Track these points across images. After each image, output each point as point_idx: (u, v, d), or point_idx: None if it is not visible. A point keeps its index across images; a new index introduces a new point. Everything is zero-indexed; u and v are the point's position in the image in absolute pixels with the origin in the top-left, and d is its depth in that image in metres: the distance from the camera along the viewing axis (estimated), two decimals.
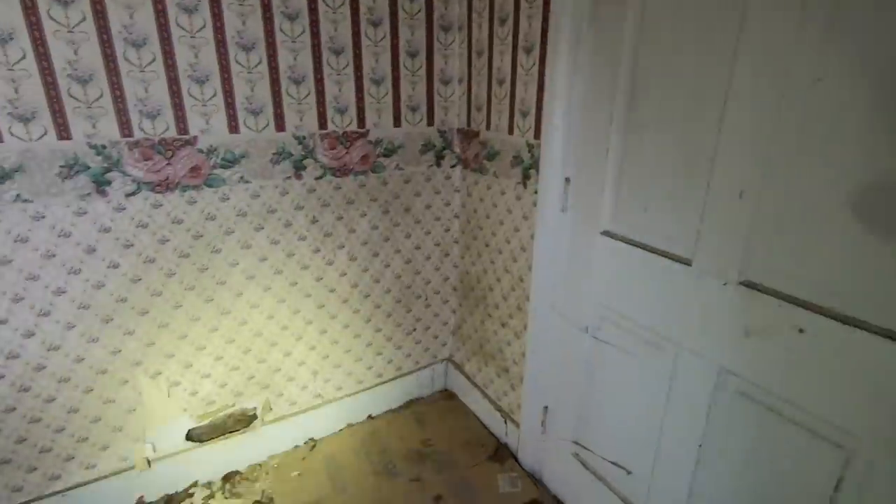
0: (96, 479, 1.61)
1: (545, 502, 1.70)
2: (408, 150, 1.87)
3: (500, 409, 1.99)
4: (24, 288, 1.36)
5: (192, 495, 1.74)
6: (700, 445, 1.19)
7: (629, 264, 1.31)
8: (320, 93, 1.63)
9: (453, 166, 2.00)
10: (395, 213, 1.93)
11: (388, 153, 1.83)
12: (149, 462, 1.68)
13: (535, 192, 1.58)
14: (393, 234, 1.95)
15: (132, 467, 1.66)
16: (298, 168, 1.67)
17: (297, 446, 1.98)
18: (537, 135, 1.54)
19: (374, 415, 2.15)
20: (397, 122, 1.82)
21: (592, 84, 1.34)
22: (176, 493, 1.75)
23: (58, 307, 1.42)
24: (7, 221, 1.30)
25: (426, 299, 2.15)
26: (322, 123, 1.67)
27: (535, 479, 1.80)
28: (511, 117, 1.64)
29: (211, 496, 1.74)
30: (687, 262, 1.16)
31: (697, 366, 1.17)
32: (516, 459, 1.89)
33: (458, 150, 1.97)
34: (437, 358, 2.30)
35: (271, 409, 1.89)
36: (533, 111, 1.54)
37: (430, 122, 1.90)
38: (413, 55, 1.77)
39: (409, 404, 2.24)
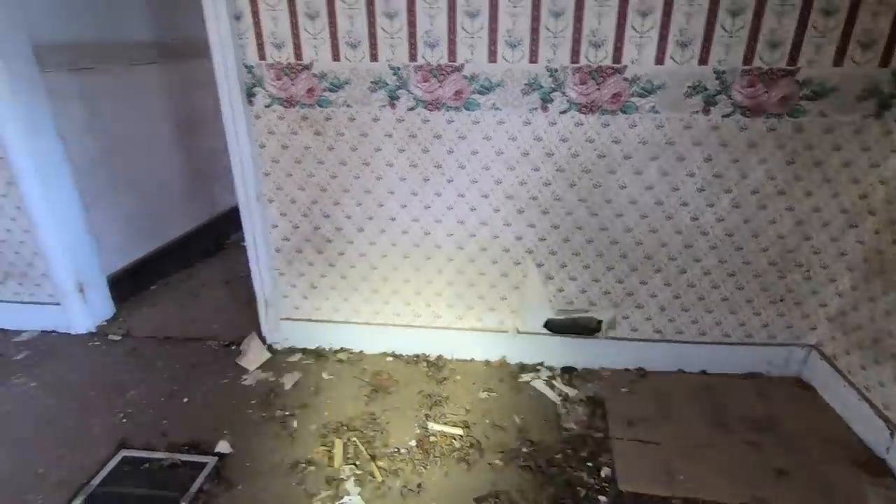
0: (482, 330, 2.15)
1: None
2: (842, 93, 1.63)
3: (884, 418, 1.64)
4: (479, 175, 1.87)
5: (538, 371, 2.12)
6: None
7: None
8: (755, 24, 1.57)
9: None
10: (800, 165, 1.74)
11: (815, 95, 1.64)
12: (517, 331, 2.12)
13: None
14: (791, 188, 1.77)
15: (506, 331, 2.13)
16: (709, 103, 1.68)
17: (627, 369, 2.13)
18: None
19: (708, 371, 2.10)
20: (839, 58, 1.59)
21: None
22: (528, 364, 2.16)
23: (495, 193, 1.90)
24: (483, 123, 1.79)
25: (808, 271, 1.89)
26: (747, 58, 1.62)
27: None
28: None
29: (552, 378, 2.08)
30: None
31: None
32: None
33: None
34: (800, 340, 2.02)
35: (615, 327, 2.08)
36: None
37: (885, 62, 1.58)
38: None
39: (750, 377, 2.07)
